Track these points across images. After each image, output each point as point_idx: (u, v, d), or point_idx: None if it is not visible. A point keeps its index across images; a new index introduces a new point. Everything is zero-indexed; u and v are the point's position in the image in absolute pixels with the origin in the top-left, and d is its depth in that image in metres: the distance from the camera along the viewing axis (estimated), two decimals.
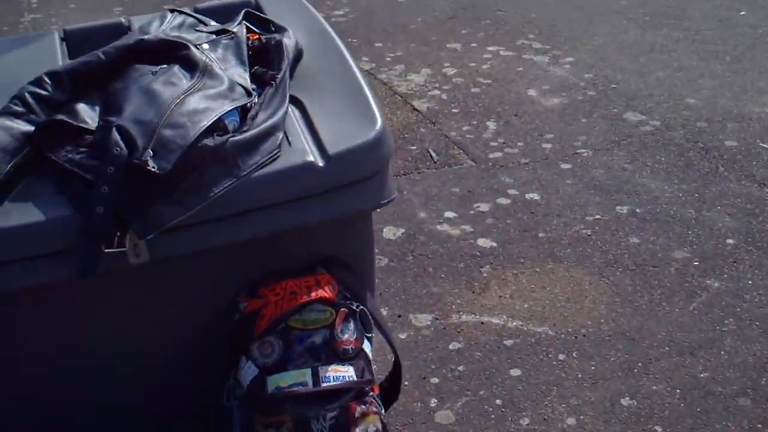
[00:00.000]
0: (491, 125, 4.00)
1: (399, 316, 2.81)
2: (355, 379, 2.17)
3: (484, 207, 3.39)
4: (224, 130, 2.10)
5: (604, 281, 2.95)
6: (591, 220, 3.29)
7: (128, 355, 2.19)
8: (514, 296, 2.89)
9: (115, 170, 1.96)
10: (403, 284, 2.96)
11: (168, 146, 1.99)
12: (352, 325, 2.22)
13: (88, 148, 2.02)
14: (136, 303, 2.16)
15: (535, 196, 3.45)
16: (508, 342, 2.70)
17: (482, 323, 2.78)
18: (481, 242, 3.17)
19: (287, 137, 2.21)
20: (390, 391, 2.36)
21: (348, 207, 2.25)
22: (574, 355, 2.64)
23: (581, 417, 2.41)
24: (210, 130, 2.06)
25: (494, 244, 3.16)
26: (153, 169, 1.96)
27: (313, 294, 2.16)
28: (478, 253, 3.11)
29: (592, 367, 2.59)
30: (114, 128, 2.00)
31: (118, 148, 1.97)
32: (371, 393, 2.19)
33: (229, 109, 2.12)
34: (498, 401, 2.47)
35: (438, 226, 3.27)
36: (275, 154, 2.16)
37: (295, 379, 2.14)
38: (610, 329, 2.74)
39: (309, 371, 2.15)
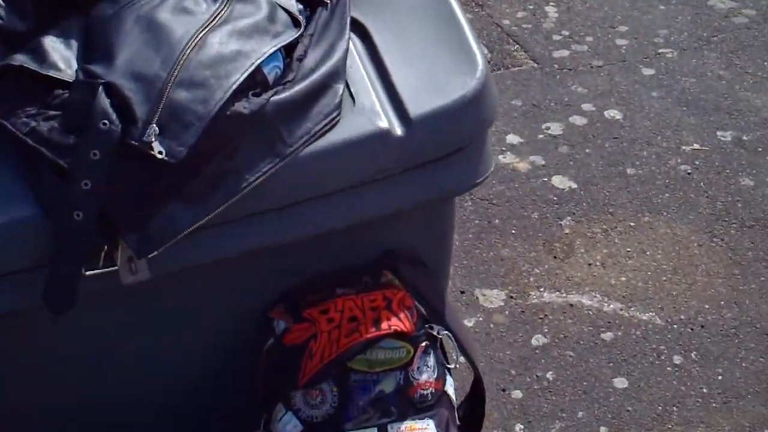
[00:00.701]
0: (551, 11, 3.23)
1: (462, 293, 2.17)
2: None
3: (555, 128, 2.70)
4: (263, 85, 1.39)
5: (717, 243, 2.31)
6: (689, 150, 2.62)
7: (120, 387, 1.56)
8: (606, 264, 2.25)
9: (101, 156, 1.28)
10: (463, 243, 2.30)
11: (182, 118, 1.30)
12: (432, 360, 1.57)
13: (61, 111, 1.30)
14: (127, 323, 1.51)
15: (617, 114, 2.75)
16: (607, 335, 2.08)
17: (571, 306, 2.15)
18: (557, 181, 2.50)
19: (349, 90, 1.50)
20: (469, 426, 1.74)
21: (434, 189, 1.57)
22: (693, 356, 2.03)
23: None
24: (243, 88, 1.35)
25: (573, 185, 2.49)
26: (160, 156, 1.28)
27: (384, 325, 1.51)
28: (554, 198, 2.45)
29: (720, 377, 1.99)
30: (101, 87, 1.28)
31: (106, 122, 1.27)
32: None
33: (272, 51, 1.40)
34: (603, 429, 1.88)
35: (501, 157, 2.57)
36: (333, 118, 1.46)
37: None
38: (734, 317, 2.12)
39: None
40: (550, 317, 2.12)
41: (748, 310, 2.14)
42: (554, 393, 1.94)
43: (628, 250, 2.30)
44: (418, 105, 1.44)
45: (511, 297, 2.17)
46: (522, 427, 1.87)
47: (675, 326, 2.10)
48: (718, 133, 2.68)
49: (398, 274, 1.64)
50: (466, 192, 1.59)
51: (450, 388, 1.62)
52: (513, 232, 2.34)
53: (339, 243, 1.56)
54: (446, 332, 1.62)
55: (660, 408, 1.91)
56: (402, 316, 1.53)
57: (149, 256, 1.30)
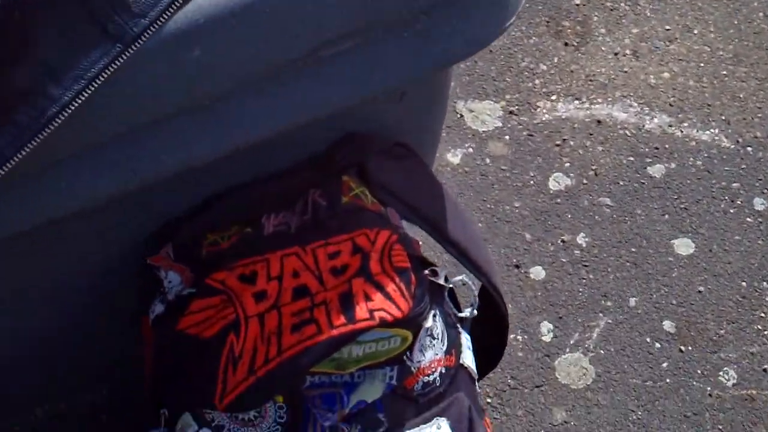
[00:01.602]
0: None
1: None
2: None
3: None
4: None
5: None
6: None
7: None
8: (639, 52, 1.56)
9: None
10: None
11: None
12: (439, 325, 0.94)
13: None
14: None
15: None
16: (655, 169, 1.44)
17: (599, 123, 1.48)
18: None
19: None
20: (485, 362, 1.15)
21: (432, 56, 0.85)
22: None
23: None
24: None
25: None
26: None
27: (361, 309, 0.85)
28: None
29: None
30: None
31: None
32: None
33: None
34: (667, 324, 1.31)
35: None
36: None
37: None
38: None
39: None
40: (571, 143, 1.47)
41: None
42: (591, 268, 1.35)
43: (668, 28, 1.60)
44: None
45: (511, 112, 1.50)
46: (550, 325, 1.30)
47: (750, 149, 1.47)
48: None
49: (368, 179, 0.97)
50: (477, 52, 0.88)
51: (468, 354, 1.01)
52: None
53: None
54: (460, 278, 0.98)
55: (744, 285, 1.34)
56: (391, 288, 0.87)
57: None
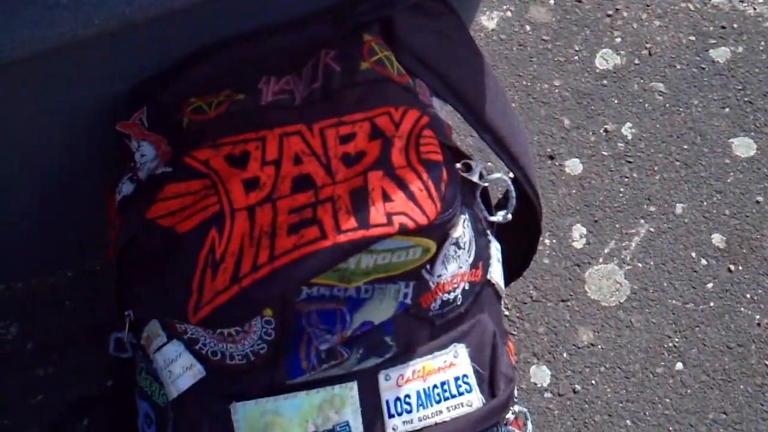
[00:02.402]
0: None
1: None
2: (478, 396, 0.78)
3: None
4: None
5: None
6: None
7: None
8: None
9: None
10: None
11: None
12: (466, 233, 0.75)
13: None
14: None
15: None
16: (719, 53, 1.24)
17: None
18: None
19: None
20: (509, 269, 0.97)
21: None
22: None
23: None
24: None
25: None
26: None
27: (377, 211, 0.65)
28: None
29: None
30: None
31: None
32: (513, 402, 0.84)
33: None
34: (717, 237, 1.13)
35: None
36: None
37: (315, 420, 0.73)
38: None
39: (353, 393, 0.74)
40: (625, 13, 1.24)
41: None
42: (635, 165, 1.15)
43: None
44: None
45: None
46: (583, 230, 1.12)
47: None
48: None
49: (394, 40, 0.77)
50: None
51: (497, 267, 0.83)
52: None
53: None
54: (497, 175, 0.79)
55: None
56: (416, 186, 0.68)
57: None
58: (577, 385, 1.03)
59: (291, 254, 0.66)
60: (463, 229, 0.75)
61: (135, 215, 0.72)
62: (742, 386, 1.03)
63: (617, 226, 1.11)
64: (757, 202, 1.14)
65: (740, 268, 1.10)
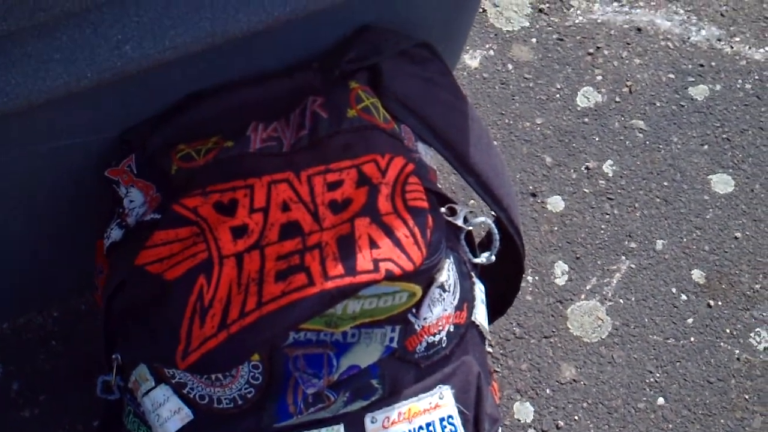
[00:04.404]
0: None
1: None
2: None
3: None
4: None
5: None
6: None
7: None
8: None
9: None
10: None
11: None
12: (451, 276, 0.77)
13: None
14: None
15: None
16: (698, 90, 1.26)
17: (639, 30, 1.28)
18: None
19: None
20: (492, 308, 0.98)
21: None
22: None
23: None
24: None
25: None
26: None
27: (363, 258, 0.67)
28: None
29: None
30: None
31: None
32: None
33: None
34: (696, 273, 1.15)
35: None
36: None
37: None
38: None
39: None
40: (606, 52, 1.27)
41: None
42: (617, 202, 1.17)
43: None
44: None
45: (541, 10, 1.29)
46: (565, 266, 1.13)
47: None
48: None
49: (381, 86, 0.78)
50: None
51: (481, 309, 0.85)
52: None
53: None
54: (481, 220, 0.81)
55: None
56: (402, 233, 0.70)
57: None
58: (560, 421, 1.04)
59: (279, 301, 0.67)
60: (448, 273, 0.76)
61: (123, 261, 0.73)
62: (722, 420, 1.05)
63: (599, 262, 1.13)
64: (736, 237, 1.16)
65: (719, 303, 1.12)
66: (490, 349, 1.07)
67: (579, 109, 1.23)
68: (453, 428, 0.78)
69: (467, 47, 1.24)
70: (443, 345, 0.78)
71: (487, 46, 1.26)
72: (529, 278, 1.11)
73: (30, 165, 0.76)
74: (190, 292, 0.68)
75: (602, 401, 1.05)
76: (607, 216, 1.16)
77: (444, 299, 0.77)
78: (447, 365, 0.79)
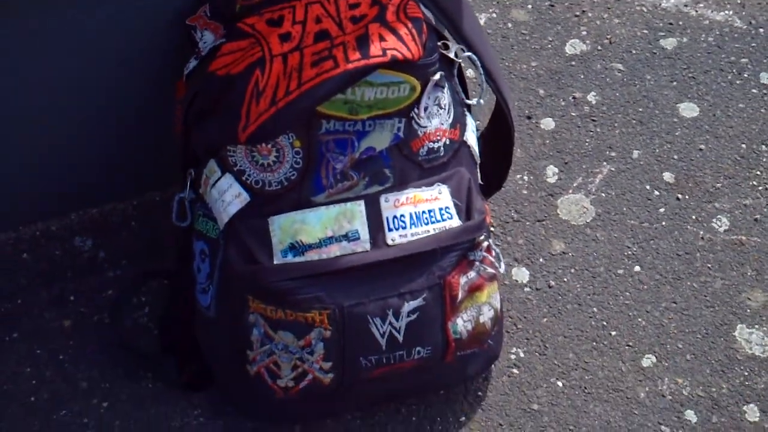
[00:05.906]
0: None
1: None
2: (458, 221, 1.02)
3: None
4: None
5: None
6: None
7: None
8: None
9: None
10: None
11: None
12: (446, 96, 1.02)
13: None
14: None
15: None
16: (668, 42, 1.51)
17: None
18: None
19: None
20: (490, 176, 1.22)
21: None
22: None
23: None
24: None
25: None
26: None
27: (376, 47, 0.95)
28: None
29: None
30: None
31: None
32: (485, 232, 1.06)
33: None
34: (667, 175, 1.36)
35: None
36: None
37: (332, 227, 0.97)
38: None
39: (361, 209, 0.98)
40: (590, 14, 1.53)
41: None
42: (599, 122, 1.41)
43: None
44: None
45: None
46: (555, 169, 1.36)
47: (762, 30, 1.53)
48: None
49: None
50: None
51: (471, 135, 1.08)
52: None
53: None
54: (468, 53, 1.05)
55: (743, 147, 1.39)
56: (404, 32, 0.94)
57: None
58: (551, 282, 1.24)
59: (313, 81, 0.91)
60: (441, 92, 1.00)
61: (198, 76, 0.98)
62: (689, 282, 1.24)
63: (584, 166, 1.35)
64: (700, 149, 1.38)
65: (687, 197, 1.33)
66: (492, 229, 1.28)
67: (567, 55, 1.48)
68: (449, 215, 1.00)
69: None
70: (441, 153, 1.01)
71: (490, 10, 1.52)
72: (525, 178, 1.34)
73: (126, 22, 1.02)
74: (249, 82, 0.93)
75: (587, 268, 1.26)
76: (591, 133, 1.39)
77: (440, 114, 1.00)
78: (444, 171, 1.02)
